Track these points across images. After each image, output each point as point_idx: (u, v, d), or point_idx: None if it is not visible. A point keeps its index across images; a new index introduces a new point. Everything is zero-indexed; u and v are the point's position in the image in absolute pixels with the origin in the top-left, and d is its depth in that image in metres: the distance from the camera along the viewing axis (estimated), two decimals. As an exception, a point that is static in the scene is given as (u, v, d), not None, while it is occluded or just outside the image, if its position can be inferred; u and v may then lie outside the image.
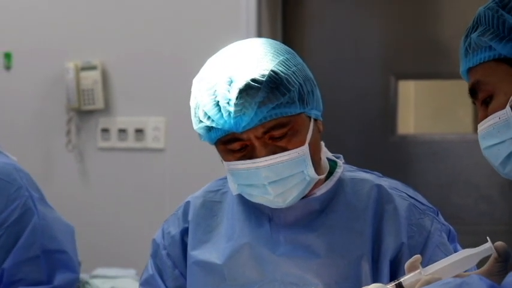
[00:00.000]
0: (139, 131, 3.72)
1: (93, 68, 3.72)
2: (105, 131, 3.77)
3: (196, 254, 1.65)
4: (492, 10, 1.32)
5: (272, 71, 1.51)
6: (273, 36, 3.75)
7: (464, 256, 1.30)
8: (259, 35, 3.60)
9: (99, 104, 3.73)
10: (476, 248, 1.30)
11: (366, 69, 3.80)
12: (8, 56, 3.82)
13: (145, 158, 3.73)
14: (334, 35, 3.84)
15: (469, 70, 1.37)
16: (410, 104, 4.13)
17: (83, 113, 3.78)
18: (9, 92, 3.83)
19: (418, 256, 1.34)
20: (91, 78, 3.72)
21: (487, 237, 1.31)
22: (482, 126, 1.34)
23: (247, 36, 3.49)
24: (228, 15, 3.61)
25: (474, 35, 1.34)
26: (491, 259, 1.31)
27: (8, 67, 3.83)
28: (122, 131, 3.74)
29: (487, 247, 1.29)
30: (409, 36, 3.78)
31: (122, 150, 3.75)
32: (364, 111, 3.80)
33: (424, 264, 1.33)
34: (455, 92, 3.98)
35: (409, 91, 4.10)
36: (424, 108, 4.17)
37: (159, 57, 3.68)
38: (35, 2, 3.80)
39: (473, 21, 1.37)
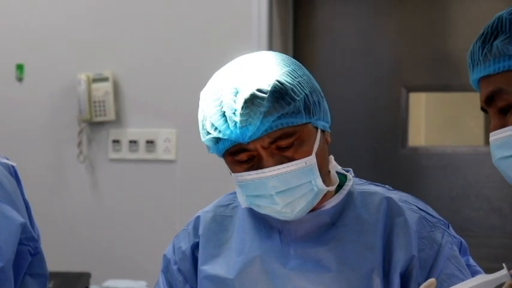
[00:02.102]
0: (150, 143, 3.73)
1: (104, 79, 3.73)
2: (116, 142, 3.77)
3: (207, 268, 1.65)
4: None
5: (277, 80, 1.51)
6: (284, 48, 3.76)
7: (479, 282, 1.28)
8: (271, 46, 3.61)
9: (111, 115, 3.74)
10: (492, 274, 1.28)
11: (377, 81, 3.80)
12: (20, 67, 3.84)
13: (156, 170, 3.73)
14: (344, 47, 3.84)
15: (485, 77, 1.33)
16: (421, 116, 4.12)
17: (94, 124, 3.79)
18: (21, 103, 3.84)
19: (432, 280, 1.33)
20: (102, 89, 3.73)
21: (503, 264, 1.30)
22: (498, 135, 1.31)
23: (259, 48, 3.50)
24: (240, 28, 3.62)
25: (498, 42, 1.30)
26: (506, 285, 1.29)
27: (20, 78, 3.84)
28: (133, 142, 3.75)
29: (503, 274, 1.28)
30: (420, 49, 3.78)
31: (133, 161, 3.76)
32: (374, 124, 3.80)
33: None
34: (466, 104, 3.98)
35: (420, 103, 4.10)
36: (435, 120, 4.16)
37: (170, 69, 3.69)
38: (47, 14, 3.82)
39: (492, 26, 1.32)
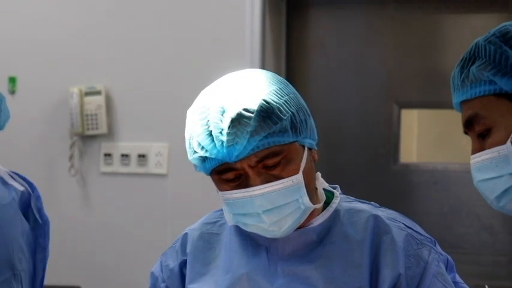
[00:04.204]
0: (142, 157, 3.73)
1: (97, 93, 3.74)
2: (108, 155, 3.78)
3: (195, 287, 1.64)
4: (495, 45, 1.32)
5: (264, 100, 1.51)
6: (276, 63, 3.76)
7: None
8: (263, 62, 3.61)
9: (103, 129, 3.74)
10: None
11: (369, 97, 3.81)
12: (12, 80, 3.84)
13: (147, 184, 3.73)
14: (337, 63, 3.85)
15: (464, 101, 1.36)
16: (413, 132, 4.13)
17: (87, 137, 3.79)
18: (14, 116, 3.78)
19: None
20: (95, 103, 3.73)
21: (486, 286, 1.30)
22: (478, 158, 1.34)
23: (252, 63, 3.50)
24: (233, 43, 3.63)
25: (474, 68, 1.33)
26: None
27: (12, 91, 3.84)
28: (125, 156, 3.75)
29: None
30: (412, 65, 3.79)
31: (125, 175, 3.76)
32: (366, 140, 3.80)
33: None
34: (458, 121, 3.97)
35: (412, 120, 4.10)
36: (427, 137, 4.17)
37: (163, 83, 3.70)
38: (40, 27, 3.82)
39: (470, 52, 1.36)
